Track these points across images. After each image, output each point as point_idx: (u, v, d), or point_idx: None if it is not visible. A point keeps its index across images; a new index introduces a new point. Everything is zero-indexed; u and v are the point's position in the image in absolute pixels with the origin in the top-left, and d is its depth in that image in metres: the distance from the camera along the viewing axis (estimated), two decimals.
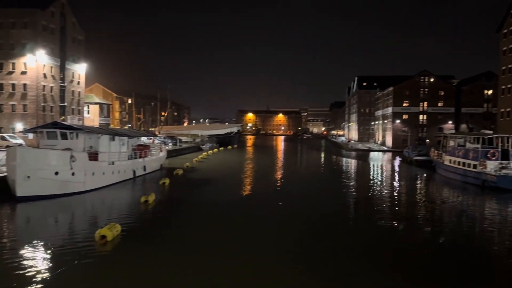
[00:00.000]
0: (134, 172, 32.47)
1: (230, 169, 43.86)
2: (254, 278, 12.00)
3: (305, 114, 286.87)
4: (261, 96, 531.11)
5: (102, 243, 14.73)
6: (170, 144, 64.10)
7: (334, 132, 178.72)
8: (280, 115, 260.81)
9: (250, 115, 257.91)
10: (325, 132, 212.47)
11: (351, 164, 54.56)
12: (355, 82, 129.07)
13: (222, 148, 74.69)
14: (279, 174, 41.50)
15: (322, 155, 74.90)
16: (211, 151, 65.12)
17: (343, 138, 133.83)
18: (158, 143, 50.16)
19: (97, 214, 21.52)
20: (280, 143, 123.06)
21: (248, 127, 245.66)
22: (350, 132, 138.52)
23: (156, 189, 27.39)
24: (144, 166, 34.83)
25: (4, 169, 22.93)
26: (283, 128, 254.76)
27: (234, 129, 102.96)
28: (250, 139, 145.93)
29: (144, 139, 45.82)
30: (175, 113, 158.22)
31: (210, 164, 47.15)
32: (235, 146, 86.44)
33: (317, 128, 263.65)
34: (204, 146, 72.84)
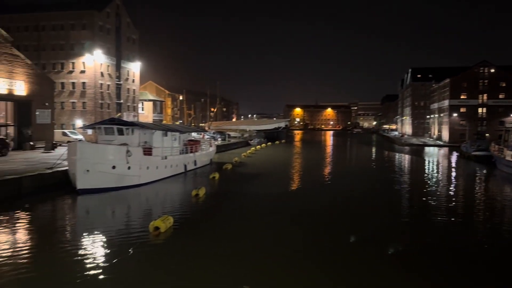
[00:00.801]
0: (185, 166, 33.35)
1: (278, 163, 43.86)
2: (298, 275, 11.91)
3: (355, 108, 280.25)
4: (309, 91, 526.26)
5: (156, 234, 15.27)
6: (219, 139, 65.19)
7: (386, 126, 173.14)
8: (329, 110, 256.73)
9: (298, 110, 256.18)
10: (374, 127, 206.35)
11: (404, 159, 52.60)
12: (409, 74, 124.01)
13: (269, 143, 74.85)
14: (327, 169, 40.91)
15: (373, 150, 72.85)
16: (259, 146, 65.47)
17: (396, 133, 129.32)
18: (207, 138, 51.18)
19: (151, 206, 22.36)
20: (329, 138, 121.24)
21: (296, 122, 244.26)
22: (404, 126, 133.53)
23: (206, 183, 27.98)
24: (195, 161, 35.68)
25: (66, 163, 24.38)
26: (331, 122, 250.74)
27: (282, 124, 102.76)
28: (298, 134, 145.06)
29: (194, 135, 46.95)
30: (224, 109, 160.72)
31: (258, 159, 47.42)
32: (283, 141, 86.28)
33: (368, 122, 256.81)
34: (252, 141, 73.38)
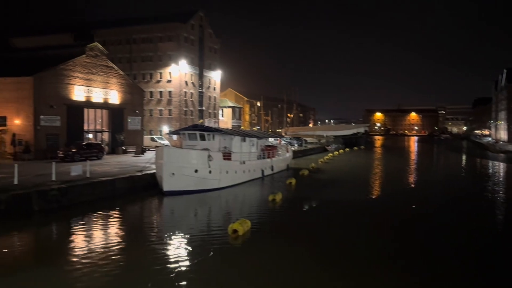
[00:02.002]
0: (263, 171, 33.87)
1: (356, 170, 42.62)
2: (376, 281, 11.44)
3: (443, 112, 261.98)
4: (391, 95, 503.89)
5: (234, 237, 15.72)
6: (296, 145, 65.13)
7: (477, 131, 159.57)
8: (413, 114, 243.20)
9: (378, 115, 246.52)
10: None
11: (499, 168, 47.98)
12: (504, 75, 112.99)
13: (348, 149, 73.01)
14: (411, 177, 38.79)
15: (463, 157, 67.52)
16: (336, 152, 64.21)
17: (489, 139, 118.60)
18: (284, 144, 51.43)
19: (230, 209, 23.07)
20: (413, 144, 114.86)
21: (376, 127, 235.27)
22: (498, 131, 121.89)
23: (283, 188, 28.13)
24: (272, 166, 36.08)
25: (153, 166, 26.15)
26: (416, 128, 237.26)
27: (361, 130, 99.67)
28: (378, 140, 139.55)
29: (271, 140, 47.51)
30: (301, 115, 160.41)
31: (335, 165, 46.53)
32: (362, 147, 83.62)
33: (457, 128, 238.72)
34: (329, 147, 72.19)
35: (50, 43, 47.67)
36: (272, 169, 36.13)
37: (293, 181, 30.89)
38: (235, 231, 15.91)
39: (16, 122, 34.72)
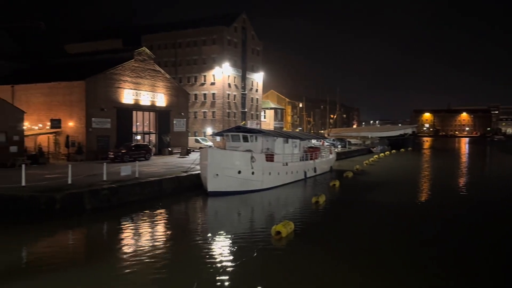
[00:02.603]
0: (305, 173, 33.60)
1: (403, 173, 41.23)
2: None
3: (496, 112, 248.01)
4: (440, 95, 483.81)
5: (277, 238, 15.68)
6: (339, 146, 64.11)
7: None
8: (464, 114, 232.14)
9: (426, 115, 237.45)
10: None
11: None
12: None
13: (394, 150, 70.82)
14: (461, 180, 36.98)
15: None
16: (382, 153, 62.49)
17: None
18: (327, 145, 50.76)
19: (273, 211, 23.05)
20: (464, 146, 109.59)
21: (424, 128, 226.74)
22: None
23: (327, 191, 27.73)
24: (315, 168, 35.70)
25: (198, 167, 26.66)
26: (467, 128, 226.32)
27: (408, 131, 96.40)
28: (426, 141, 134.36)
29: (314, 142, 47.06)
30: (344, 115, 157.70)
31: (381, 167, 45.27)
32: (409, 148, 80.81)
33: None
34: (374, 148, 70.44)
35: (101, 49, 50.01)
36: (315, 171, 35.74)
37: (337, 183, 30.39)
38: (278, 232, 15.87)
39: (70, 125, 36.66)
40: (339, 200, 25.54)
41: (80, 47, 61.53)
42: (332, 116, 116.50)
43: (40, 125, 37.87)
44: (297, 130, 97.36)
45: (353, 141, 75.93)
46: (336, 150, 50.29)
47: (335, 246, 15.21)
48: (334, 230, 17.83)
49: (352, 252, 14.40)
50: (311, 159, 35.19)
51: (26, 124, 34.75)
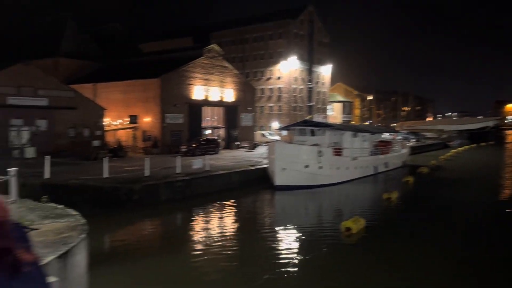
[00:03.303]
0: (376, 168, 32.43)
1: (484, 168, 38.17)
2: None
3: None
4: None
5: (347, 234, 15.32)
6: (412, 140, 61.03)
7: None
8: None
9: (510, 106, 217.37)
10: None
11: None
12: None
13: (474, 144, 65.86)
14: None
15: None
16: (460, 148, 58.38)
17: None
18: (399, 139, 48.52)
19: (341, 206, 22.59)
20: None
21: (507, 120, 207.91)
22: None
23: (399, 187, 26.54)
24: (386, 163, 34.33)
25: (265, 161, 26.90)
26: None
27: (490, 123, 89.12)
28: (510, 135, 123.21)
29: (385, 135, 45.26)
30: (417, 108, 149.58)
31: (459, 162, 42.34)
32: (491, 142, 74.63)
33: None
34: (452, 142, 66.04)
35: (173, 47, 52.26)
36: (387, 166, 34.35)
37: (410, 179, 28.95)
38: (348, 229, 15.50)
39: (146, 120, 38.84)
40: (413, 197, 24.34)
41: (154, 46, 64.75)
42: (404, 108, 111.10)
43: (119, 121, 40.58)
44: (366, 123, 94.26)
45: (427, 134, 71.87)
46: (409, 144, 47.89)
47: (408, 245, 14.52)
48: (407, 228, 17.01)
49: (425, 252, 13.65)
50: (382, 153, 33.87)
51: (106, 120, 37.46)
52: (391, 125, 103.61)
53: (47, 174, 19.78)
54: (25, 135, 29.43)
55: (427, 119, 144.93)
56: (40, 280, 1.12)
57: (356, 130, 31.69)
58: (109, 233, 15.88)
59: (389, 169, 34.59)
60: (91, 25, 59.47)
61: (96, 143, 34.05)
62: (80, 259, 5.61)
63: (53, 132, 32.19)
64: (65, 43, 47.48)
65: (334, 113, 79.43)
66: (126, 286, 10.66)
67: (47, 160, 20.26)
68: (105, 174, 20.97)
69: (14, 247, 1.06)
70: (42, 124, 31.36)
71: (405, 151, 40.19)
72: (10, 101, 29.54)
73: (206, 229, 16.80)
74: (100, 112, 35.88)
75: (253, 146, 42.54)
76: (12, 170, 8.01)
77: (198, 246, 14.22)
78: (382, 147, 34.64)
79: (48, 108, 31.89)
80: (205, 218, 18.52)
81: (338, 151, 27.98)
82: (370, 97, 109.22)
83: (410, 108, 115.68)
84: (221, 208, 20.30)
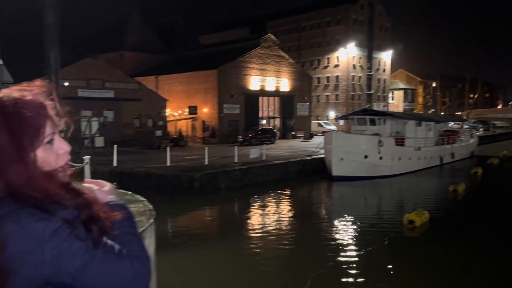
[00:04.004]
0: (441, 159, 30.81)
1: None
2: None
3: None
4: None
5: (410, 228, 14.73)
6: (481, 129, 57.16)
7: None
8: None
9: None
10: None
11: None
12: None
13: None
14: None
15: None
16: None
17: None
18: (467, 128, 45.63)
19: (403, 198, 21.75)
20: None
21: None
22: None
23: (466, 179, 24.99)
24: (452, 153, 32.48)
25: (322, 151, 26.53)
26: None
27: None
28: None
29: (452, 124, 42.80)
30: (487, 95, 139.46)
31: None
32: None
33: None
34: None
35: (229, 38, 52.91)
36: (453, 157, 32.50)
37: (479, 170, 27.16)
38: (411, 221, 14.90)
39: (204, 111, 39.86)
40: (482, 190, 22.86)
41: (212, 38, 66.02)
42: (472, 95, 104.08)
43: (180, 112, 42.01)
44: (430, 112, 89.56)
45: (498, 123, 66.92)
46: (477, 133, 44.92)
47: (476, 241, 13.65)
48: (475, 223, 15.99)
49: (493, 249, 12.76)
50: (447, 143, 32.08)
51: (168, 111, 38.92)
52: (457, 113, 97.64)
53: (114, 162, 21.03)
54: (95, 126, 31.46)
55: (498, 107, 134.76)
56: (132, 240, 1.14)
57: (420, 118, 30.26)
58: (172, 219, 16.57)
59: (455, 160, 32.73)
60: (153, 18, 61.82)
61: (158, 133, 35.59)
62: (149, 242, 5.90)
63: (120, 122, 34.09)
64: (129, 37, 49.87)
65: (395, 101, 76.31)
66: (188, 269, 11.09)
67: (115, 149, 21.51)
68: (168, 163, 21.87)
69: (103, 215, 1.09)
70: (109, 115, 33.32)
71: (473, 140, 37.81)
72: (80, 93, 31.66)
73: (263, 217, 16.97)
74: (162, 103, 37.39)
75: (309, 136, 42.14)
76: (86, 158, 8.59)
77: (255, 234, 14.42)
78: (448, 136, 32.80)
79: (115, 100, 33.78)
80: (261, 207, 18.72)
81: (400, 141, 26.91)
82: (434, 84, 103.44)
83: (478, 95, 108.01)
84: (278, 198, 20.40)
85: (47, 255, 0.98)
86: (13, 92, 1.09)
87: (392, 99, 75.29)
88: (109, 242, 1.07)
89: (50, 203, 1.02)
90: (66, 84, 29.26)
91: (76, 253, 0.98)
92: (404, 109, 73.79)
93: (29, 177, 1.03)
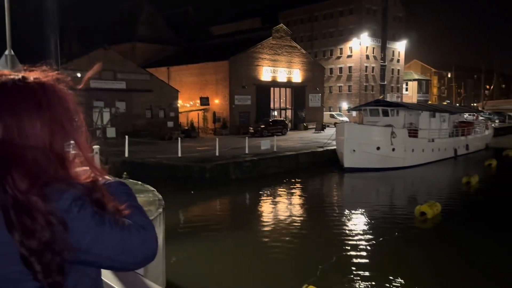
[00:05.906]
0: (456, 150, 30.34)
1: None
2: None
3: None
4: None
5: (422, 219, 14.59)
6: (497, 121, 56.11)
7: None
8: None
9: None
10: None
11: None
12: None
13: None
14: None
15: None
16: None
17: None
18: (482, 120, 44.82)
19: (416, 190, 21.54)
20: None
21: None
22: None
23: (480, 171, 24.59)
24: (467, 145, 31.98)
25: (334, 143, 26.34)
26: None
27: None
28: None
29: (466, 116, 42.08)
30: (503, 86, 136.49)
31: None
32: None
33: None
34: None
35: (241, 29, 52.61)
36: (467, 148, 31.99)
37: (494, 162, 26.71)
38: (423, 213, 14.75)
39: (216, 102, 39.84)
40: (496, 182, 22.52)
41: (224, 28, 65.72)
42: (488, 86, 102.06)
43: (191, 103, 42.08)
44: (445, 103, 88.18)
45: None
46: (493, 125, 44.10)
47: (490, 235, 13.44)
48: (488, 215, 15.76)
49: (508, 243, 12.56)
50: (462, 135, 31.58)
51: (179, 102, 39.01)
52: (472, 104, 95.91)
53: (126, 153, 21.20)
54: (106, 116, 31.69)
55: None
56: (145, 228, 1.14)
57: (434, 110, 29.79)
58: (182, 209, 16.68)
59: (470, 152, 32.22)
60: (164, 9, 61.76)
61: (170, 124, 35.72)
62: (158, 232, 5.93)
63: (131, 113, 34.28)
64: (140, 28, 49.94)
65: (409, 92, 75.33)
66: (198, 259, 11.16)
67: (126, 139, 21.67)
68: (179, 154, 21.96)
69: (110, 202, 1.11)
70: (121, 106, 33.53)
71: (488, 132, 37.14)
72: (92, 84, 31.87)
73: (273, 208, 16.97)
74: (174, 94, 37.47)
75: (321, 127, 41.87)
76: (96, 147, 8.65)
77: (265, 225, 14.44)
78: (463, 128, 32.27)
79: (126, 91, 33.96)
80: (272, 198, 18.72)
81: (413, 133, 26.56)
82: (449, 75, 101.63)
83: (494, 86, 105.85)
84: (288, 189, 20.36)
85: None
86: (47, 75, 1.13)
87: (406, 90, 74.28)
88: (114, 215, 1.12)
89: (65, 183, 1.06)
90: (79, 75, 29.21)
91: (88, 226, 1.03)
92: (418, 100, 72.78)
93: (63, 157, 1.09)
